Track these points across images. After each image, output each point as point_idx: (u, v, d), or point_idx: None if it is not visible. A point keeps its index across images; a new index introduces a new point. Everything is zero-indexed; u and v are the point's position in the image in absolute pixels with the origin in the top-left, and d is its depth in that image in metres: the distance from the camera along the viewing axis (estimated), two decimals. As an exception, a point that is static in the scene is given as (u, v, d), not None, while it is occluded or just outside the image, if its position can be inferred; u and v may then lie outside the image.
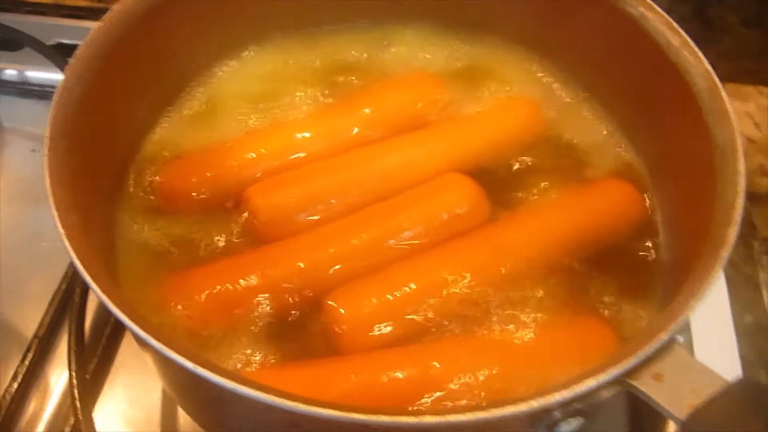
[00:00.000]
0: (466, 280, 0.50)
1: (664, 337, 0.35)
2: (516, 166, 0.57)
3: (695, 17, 0.95)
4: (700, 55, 0.48)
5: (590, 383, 0.34)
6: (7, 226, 0.74)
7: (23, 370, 0.61)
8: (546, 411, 0.35)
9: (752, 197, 0.86)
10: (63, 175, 0.43)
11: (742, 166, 0.42)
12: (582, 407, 0.36)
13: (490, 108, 0.59)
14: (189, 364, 0.34)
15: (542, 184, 0.56)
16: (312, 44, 0.65)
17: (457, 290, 0.50)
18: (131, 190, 0.55)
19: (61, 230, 0.39)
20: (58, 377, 0.63)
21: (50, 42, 0.85)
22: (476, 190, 0.54)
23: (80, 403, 0.56)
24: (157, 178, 0.55)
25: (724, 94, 0.46)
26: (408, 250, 0.52)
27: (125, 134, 0.54)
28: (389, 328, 0.49)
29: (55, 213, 0.39)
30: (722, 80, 0.96)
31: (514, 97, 0.60)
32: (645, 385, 0.35)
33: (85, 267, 0.38)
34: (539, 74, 0.61)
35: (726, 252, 0.39)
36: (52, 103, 0.45)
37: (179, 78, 0.59)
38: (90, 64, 0.48)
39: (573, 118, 0.59)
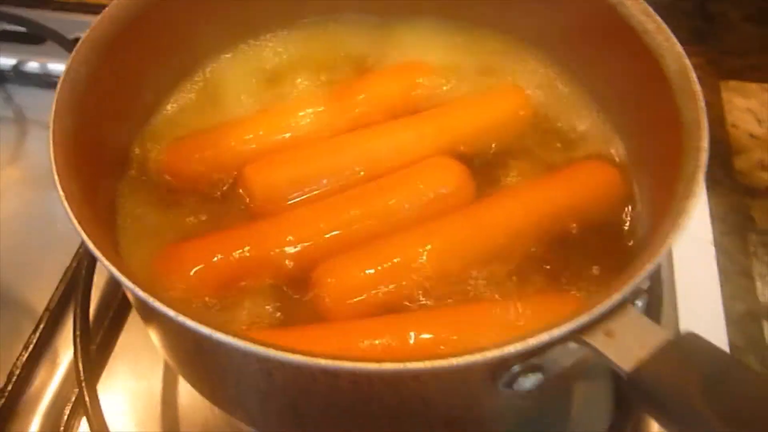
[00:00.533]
0: (447, 255, 0.53)
1: (617, 296, 0.37)
2: (502, 149, 0.59)
3: (697, 13, 0.96)
4: (674, 39, 0.50)
5: (543, 337, 0.36)
6: (25, 208, 0.78)
7: (34, 340, 0.65)
8: (504, 363, 0.37)
9: (752, 191, 0.87)
10: (68, 146, 0.46)
11: (705, 143, 0.44)
12: (540, 362, 0.38)
13: (479, 94, 0.62)
14: (170, 312, 0.36)
15: (527, 166, 0.58)
16: (315, 35, 0.68)
17: (438, 264, 0.52)
18: (134, 167, 0.58)
19: (61, 193, 0.42)
20: (66, 349, 0.67)
21: (71, 36, 0.89)
22: (462, 172, 0.57)
23: (84, 374, 0.59)
24: (158, 156, 0.58)
25: (693, 75, 0.47)
26: (394, 227, 0.55)
27: (130, 114, 0.58)
28: (372, 299, 0.51)
29: (56, 178, 0.42)
30: (726, 77, 0.98)
31: (502, 84, 0.62)
32: (596, 341, 0.37)
33: (82, 227, 0.41)
34: (527, 61, 0.63)
35: (684, 221, 0.41)
36: (60, 81, 0.49)
37: (183, 64, 0.62)
38: (95, 47, 0.52)
39: (558, 103, 0.61)
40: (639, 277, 0.38)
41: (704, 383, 0.35)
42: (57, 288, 0.68)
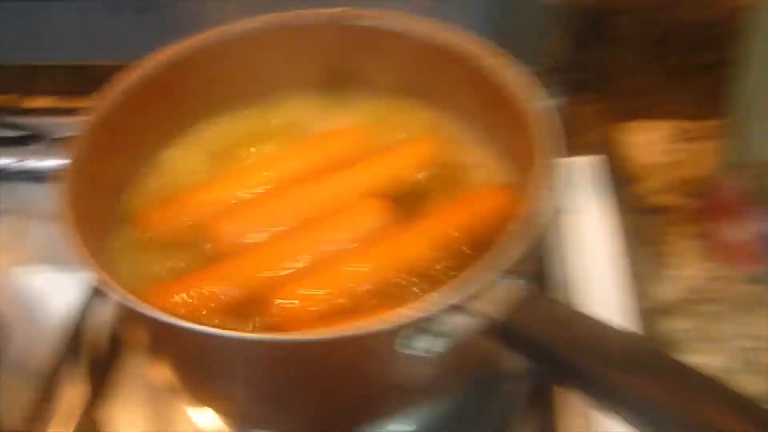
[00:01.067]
0: (377, 273, 0.66)
1: (489, 275, 0.51)
2: (416, 188, 0.74)
3: (591, 66, 1.13)
4: (530, 87, 0.65)
5: (433, 308, 0.50)
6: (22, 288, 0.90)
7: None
8: (403, 330, 0.50)
9: (652, 211, 1.02)
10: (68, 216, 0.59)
11: (551, 162, 0.58)
12: (431, 328, 0.51)
13: (393, 147, 0.76)
14: (175, 320, 0.49)
15: (437, 198, 0.73)
16: (254, 116, 0.83)
17: (371, 280, 0.65)
18: (121, 228, 0.71)
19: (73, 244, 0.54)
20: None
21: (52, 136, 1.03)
22: (386, 209, 0.71)
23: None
24: (140, 220, 0.72)
25: (541, 116, 0.62)
26: (336, 256, 0.68)
27: (113, 191, 0.72)
28: (321, 312, 0.64)
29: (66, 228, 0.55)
30: (624, 118, 1.13)
31: (410, 137, 0.77)
32: (481, 305, 0.50)
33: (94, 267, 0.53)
34: (428, 116, 0.78)
35: (531, 222, 0.54)
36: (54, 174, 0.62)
37: (156, 143, 0.77)
38: (77, 150, 0.65)
39: (457, 147, 0.76)
40: (506, 260, 0.52)
41: (553, 323, 0.48)
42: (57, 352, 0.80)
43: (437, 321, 0.51)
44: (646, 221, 1.00)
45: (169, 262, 0.69)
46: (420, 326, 0.50)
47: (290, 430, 0.64)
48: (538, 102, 0.63)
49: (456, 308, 0.51)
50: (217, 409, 0.66)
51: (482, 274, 0.51)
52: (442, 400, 0.67)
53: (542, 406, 0.74)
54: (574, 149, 1.06)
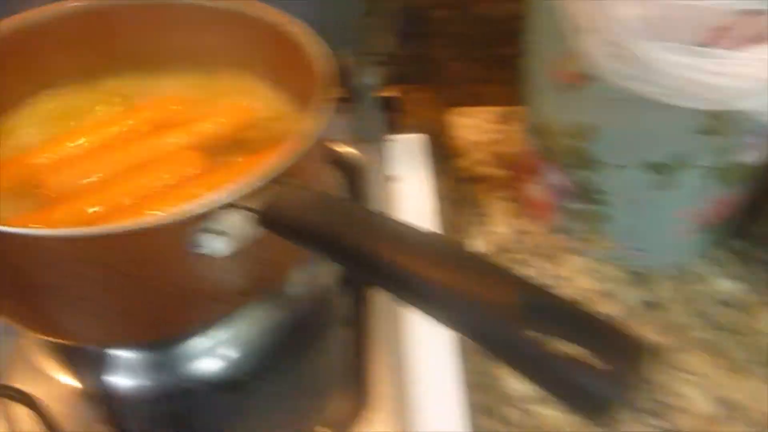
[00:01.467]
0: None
1: (257, 181, 0.61)
2: (232, 142, 0.84)
3: (419, 58, 1.27)
4: (324, 50, 0.76)
5: (207, 205, 0.59)
6: None
7: None
8: (186, 226, 0.59)
9: (471, 180, 1.15)
10: None
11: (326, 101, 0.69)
12: (211, 226, 0.60)
13: (211, 110, 0.87)
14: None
15: (250, 150, 0.83)
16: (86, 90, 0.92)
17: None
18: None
19: None
20: None
21: None
22: (200, 158, 0.81)
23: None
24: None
25: (327, 76, 0.73)
26: (153, 197, 0.77)
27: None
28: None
29: None
30: (451, 104, 1.27)
31: (228, 101, 0.88)
32: (250, 203, 0.59)
33: None
34: (244, 84, 0.89)
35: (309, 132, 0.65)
36: None
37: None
38: None
39: (269, 107, 0.87)
40: (272, 167, 0.61)
41: (313, 207, 0.57)
42: None
43: (214, 219, 0.59)
44: (466, 189, 1.14)
45: (6, 214, 0.76)
46: (200, 224, 0.59)
47: (111, 343, 0.72)
48: (322, 57, 0.75)
49: (228, 206, 0.59)
50: (39, 329, 0.73)
51: (252, 178, 0.60)
52: (258, 311, 0.76)
53: (358, 309, 0.84)
54: (402, 129, 1.20)
